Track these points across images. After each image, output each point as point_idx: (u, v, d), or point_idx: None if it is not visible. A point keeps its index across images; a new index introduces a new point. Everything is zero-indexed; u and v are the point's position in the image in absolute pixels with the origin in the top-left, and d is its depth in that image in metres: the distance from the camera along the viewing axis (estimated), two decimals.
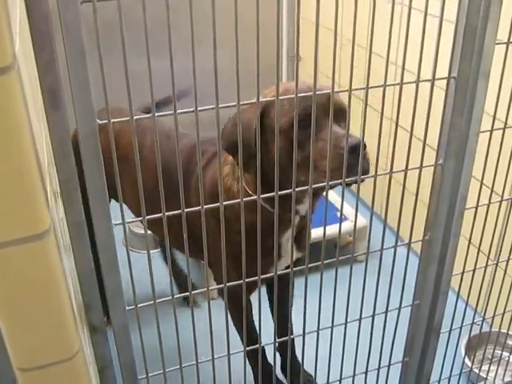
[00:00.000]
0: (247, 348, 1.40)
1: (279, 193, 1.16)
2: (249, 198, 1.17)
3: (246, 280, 1.25)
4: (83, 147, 0.97)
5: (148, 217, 1.08)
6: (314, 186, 1.19)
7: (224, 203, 1.12)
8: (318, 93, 1.09)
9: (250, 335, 1.76)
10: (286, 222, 1.51)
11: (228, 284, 1.24)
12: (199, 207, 1.10)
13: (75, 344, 1.01)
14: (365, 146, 1.31)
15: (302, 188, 1.19)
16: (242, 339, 1.78)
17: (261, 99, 1.08)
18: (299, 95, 1.07)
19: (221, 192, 1.11)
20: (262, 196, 1.14)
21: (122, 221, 1.06)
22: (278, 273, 1.30)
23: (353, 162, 1.29)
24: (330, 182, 1.21)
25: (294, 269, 1.31)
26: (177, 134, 1.03)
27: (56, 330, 0.97)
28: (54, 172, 1.05)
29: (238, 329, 1.85)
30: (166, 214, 1.08)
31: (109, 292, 1.14)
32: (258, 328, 1.45)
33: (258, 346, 1.43)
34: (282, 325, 1.85)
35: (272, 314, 2.03)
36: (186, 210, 1.09)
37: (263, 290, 2.01)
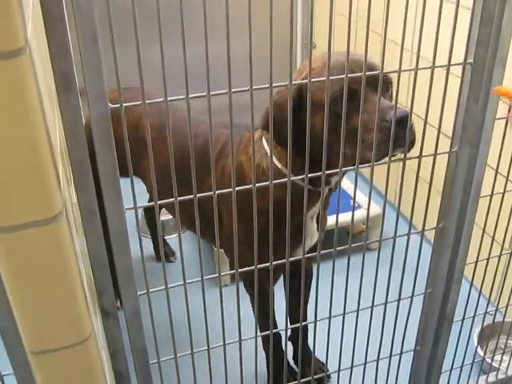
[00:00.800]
0: (263, 333, 1.39)
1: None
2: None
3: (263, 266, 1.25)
4: (95, 131, 0.97)
5: (160, 202, 1.08)
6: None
7: (235, 187, 1.12)
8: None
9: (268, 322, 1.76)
10: (314, 197, 1.51)
11: (242, 270, 1.24)
12: (211, 192, 1.10)
13: (87, 328, 1.02)
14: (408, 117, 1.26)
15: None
16: (259, 325, 1.79)
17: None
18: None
19: (233, 176, 1.10)
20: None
21: (134, 206, 1.06)
22: (291, 259, 1.29)
23: (398, 135, 1.25)
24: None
25: (307, 255, 1.31)
26: (189, 118, 1.03)
27: (68, 313, 0.98)
28: (67, 156, 1.05)
29: (258, 314, 1.85)
30: (179, 198, 1.08)
31: (120, 277, 1.15)
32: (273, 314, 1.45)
33: (273, 331, 1.43)
34: (296, 313, 1.84)
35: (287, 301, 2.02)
36: (198, 195, 1.09)
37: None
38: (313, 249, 1.65)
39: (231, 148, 1.08)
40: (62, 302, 0.96)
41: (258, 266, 1.25)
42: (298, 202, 1.25)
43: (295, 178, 1.18)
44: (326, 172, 1.18)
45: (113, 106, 0.94)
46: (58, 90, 0.91)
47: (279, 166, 1.60)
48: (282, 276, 1.98)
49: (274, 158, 1.62)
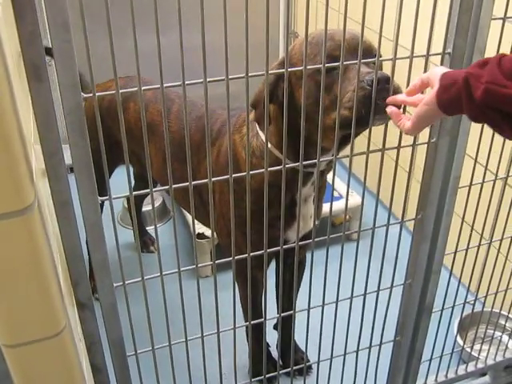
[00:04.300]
0: (252, 322, 1.39)
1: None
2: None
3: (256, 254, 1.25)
4: (68, 122, 0.95)
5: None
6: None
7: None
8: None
9: (256, 312, 1.75)
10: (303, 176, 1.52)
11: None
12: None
13: (61, 320, 1.00)
14: (388, 80, 1.21)
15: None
16: (246, 314, 1.78)
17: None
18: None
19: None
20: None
21: (109, 196, 1.04)
22: (285, 247, 1.29)
23: (378, 95, 1.20)
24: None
25: (285, 247, 1.30)
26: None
27: (41, 306, 0.96)
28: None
29: (244, 303, 1.84)
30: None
31: (96, 269, 1.13)
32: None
33: (249, 322, 1.43)
34: (283, 302, 1.85)
35: (277, 291, 2.01)
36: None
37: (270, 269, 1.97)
38: (306, 237, 1.63)
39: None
40: (35, 294, 0.95)
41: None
42: (285, 182, 1.24)
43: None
44: (306, 164, 1.18)
45: (86, 95, 0.93)
46: (28, 78, 0.89)
47: (269, 145, 1.59)
48: (270, 265, 1.97)
49: (264, 137, 1.61)
